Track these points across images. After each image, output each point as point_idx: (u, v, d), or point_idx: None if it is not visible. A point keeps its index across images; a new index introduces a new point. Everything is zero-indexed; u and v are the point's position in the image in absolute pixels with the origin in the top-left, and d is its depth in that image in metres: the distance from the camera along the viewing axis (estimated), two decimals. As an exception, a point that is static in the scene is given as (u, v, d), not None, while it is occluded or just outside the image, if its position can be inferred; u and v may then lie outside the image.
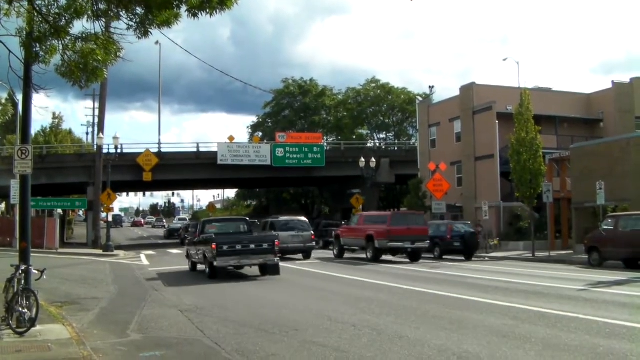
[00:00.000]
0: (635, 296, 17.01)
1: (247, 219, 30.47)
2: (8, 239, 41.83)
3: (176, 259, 36.19)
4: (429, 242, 33.64)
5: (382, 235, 32.21)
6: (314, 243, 36.79)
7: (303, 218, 39.30)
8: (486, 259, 35.47)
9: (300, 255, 35.15)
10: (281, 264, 24.93)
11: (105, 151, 47.46)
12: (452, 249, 35.72)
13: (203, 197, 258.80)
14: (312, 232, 36.69)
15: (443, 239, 35.79)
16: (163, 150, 57.03)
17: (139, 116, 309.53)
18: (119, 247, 47.50)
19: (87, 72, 10.54)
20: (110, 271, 28.57)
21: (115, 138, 45.70)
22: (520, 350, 10.26)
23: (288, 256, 34.18)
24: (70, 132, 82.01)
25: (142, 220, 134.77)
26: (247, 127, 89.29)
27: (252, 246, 23.68)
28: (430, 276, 24.28)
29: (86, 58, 10.34)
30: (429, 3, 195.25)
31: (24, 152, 13.25)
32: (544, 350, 10.19)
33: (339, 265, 30.25)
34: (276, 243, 23.99)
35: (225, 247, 23.30)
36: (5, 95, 37.94)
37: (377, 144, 75.47)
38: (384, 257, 33.49)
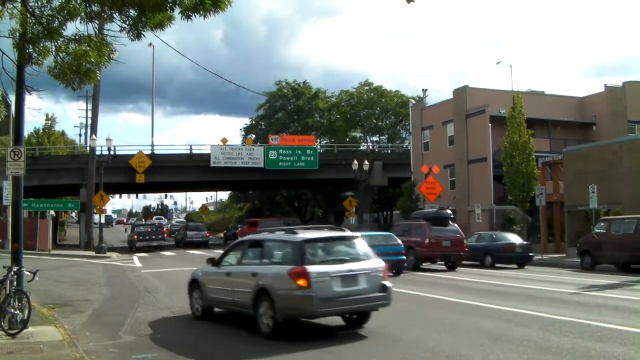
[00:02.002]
0: (628, 299, 17.06)
1: (157, 223, 63.84)
2: (0, 241, 41.67)
3: (169, 261, 36.16)
4: None
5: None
6: (208, 239, 57.05)
7: (201, 223, 66.40)
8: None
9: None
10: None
11: (98, 153, 47.31)
12: None
13: (196, 199, 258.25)
14: (207, 231, 59.15)
15: None
16: (156, 152, 56.91)
17: (131, 118, 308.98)
18: (112, 249, 47.35)
19: (79, 74, 10.52)
20: (103, 273, 28.49)
21: (108, 140, 45.52)
22: (513, 353, 10.29)
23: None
24: (63, 133, 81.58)
25: (125, 219, 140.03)
26: (240, 129, 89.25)
27: (154, 236, 49.25)
28: (422, 279, 24.30)
29: (79, 60, 10.31)
30: (421, 6, 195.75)
31: (16, 153, 13.22)
32: (536, 353, 10.21)
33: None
34: (165, 235, 52.08)
35: (140, 237, 48.70)
36: (-3, 97, 37.88)
37: (370, 147, 75.43)
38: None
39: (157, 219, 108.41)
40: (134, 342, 12.04)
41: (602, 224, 29.08)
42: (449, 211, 32.87)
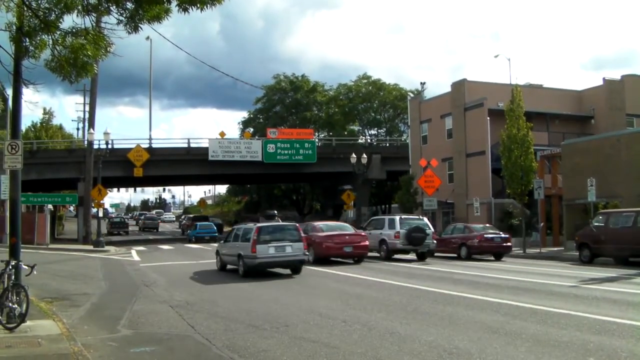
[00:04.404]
0: (626, 292, 17.07)
1: (123, 217, 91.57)
2: (-2, 235, 41.60)
3: (166, 255, 36.19)
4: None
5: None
6: (158, 226, 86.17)
7: (156, 215, 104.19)
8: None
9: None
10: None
11: (95, 146, 47.10)
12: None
13: (194, 193, 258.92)
14: (159, 221, 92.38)
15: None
16: (154, 145, 56.91)
17: (127, 111, 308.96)
18: (110, 243, 47.39)
19: (77, 67, 10.49)
20: (101, 267, 28.49)
21: (106, 133, 45.41)
22: (510, 346, 10.28)
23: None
24: (60, 127, 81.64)
25: (113, 215, 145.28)
26: (238, 123, 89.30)
27: (122, 225, 74.68)
28: (419, 272, 24.31)
29: (76, 53, 10.28)
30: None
31: (13, 147, 13.19)
32: (534, 346, 10.20)
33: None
34: (129, 225, 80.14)
35: (112, 226, 73.29)
36: (-5, 90, 37.79)
37: (369, 140, 75.43)
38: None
39: (141, 213, 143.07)
40: (133, 335, 12.04)
41: (600, 217, 29.08)
42: (275, 212, 61.17)
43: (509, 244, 32.71)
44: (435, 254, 32.88)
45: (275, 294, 17.77)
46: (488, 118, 44.63)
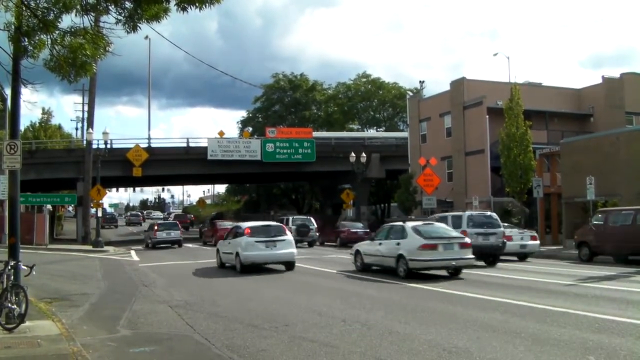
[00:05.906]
0: (625, 291, 17.07)
1: (113, 214, 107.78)
2: (-3, 235, 41.55)
3: (166, 255, 36.17)
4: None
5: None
6: (141, 222, 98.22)
7: (139, 213, 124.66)
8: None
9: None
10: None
11: (94, 146, 46.92)
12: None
13: (193, 193, 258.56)
14: (141, 217, 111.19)
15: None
16: (153, 145, 56.79)
17: (126, 111, 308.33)
18: (109, 243, 47.37)
19: (75, 67, 10.47)
20: (100, 267, 28.48)
21: (104, 133, 45.36)
22: (509, 344, 10.28)
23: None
24: (59, 127, 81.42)
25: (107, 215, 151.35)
26: (237, 122, 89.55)
27: (112, 220, 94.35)
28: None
29: (75, 52, 10.26)
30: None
31: (12, 147, 13.17)
32: (533, 345, 10.20)
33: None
34: (118, 220, 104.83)
35: (106, 221, 79.73)
36: (-7, 90, 37.72)
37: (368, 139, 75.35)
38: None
39: (134, 213, 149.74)
40: (132, 335, 12.04)
41: (599, 215, 29.05)
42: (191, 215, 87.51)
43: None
44: (325, 243, 46.80)
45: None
46: (487, 116, 44.59)
